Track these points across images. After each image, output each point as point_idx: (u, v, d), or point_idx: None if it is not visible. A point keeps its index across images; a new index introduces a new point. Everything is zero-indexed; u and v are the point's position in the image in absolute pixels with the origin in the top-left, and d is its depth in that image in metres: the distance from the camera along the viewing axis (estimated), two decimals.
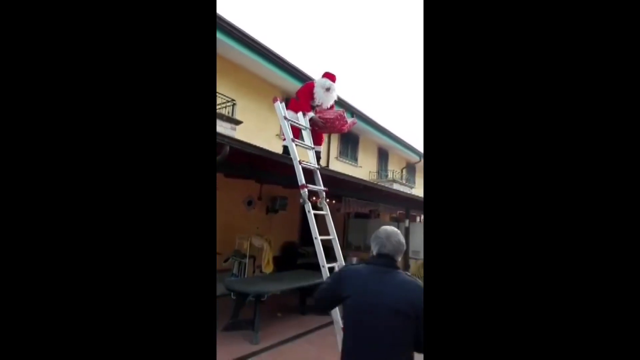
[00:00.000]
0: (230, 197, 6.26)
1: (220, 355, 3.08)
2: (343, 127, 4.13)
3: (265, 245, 6.14)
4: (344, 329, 1.48)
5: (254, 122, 7.11)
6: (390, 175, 12.32)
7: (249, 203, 6.86)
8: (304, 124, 3.68)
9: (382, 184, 8.39)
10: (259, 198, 7.02)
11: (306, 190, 2.92)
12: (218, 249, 5.10)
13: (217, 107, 5.84)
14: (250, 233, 6.19)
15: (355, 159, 11.01)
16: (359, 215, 8.98)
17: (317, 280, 4.61)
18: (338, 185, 4.72)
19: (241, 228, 6.30)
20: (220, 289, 4.50)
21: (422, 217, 9.27)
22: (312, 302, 5.13)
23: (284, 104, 3.44)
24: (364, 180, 5.79)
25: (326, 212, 3.18)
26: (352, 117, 8.96)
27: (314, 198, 3.72)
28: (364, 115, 10.13)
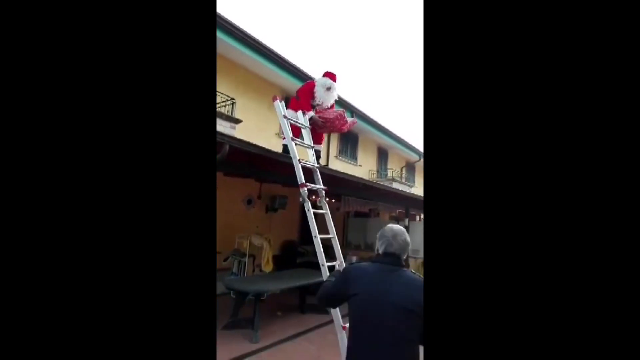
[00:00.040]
0: (230, 196, 6.26)
1: (220, 353, 3.09)
2: (343, 127, 4.13)
3: (265, 244, 6.15)
4: (350, 327, 1.49)
5: (253, 121, 7.11)
6: (389, 174, 12.33)
7: (249, 202, 6.86)
8: (304, 123, 3.68)
9: (382, 183, 8.39)
10: (259, 197, 7.01)
11: (306, 189, 2.92)
12: (218, 248, 5.11)
13: (217, 105, 5.84)
14: (249, 232, 6.19)
15: (355, 158, 11.01)
16: (358, 214, 8.99)
17: (317, 279, 4.62)
18: (338, 184, 4.72)
19: (241, 227, 6.30)
20: (220, 288, 4.51)
21: (422, 216, 9.28)
22: (312, 300, 5.14)
23: (283, 102, 3.43)
24: (364, 179, 5.79)
25: (326, 210, 3.18)
26: (352, 116, 8.96)
27: (314, 197, 3.72)
28: (364, 114, 10.13)
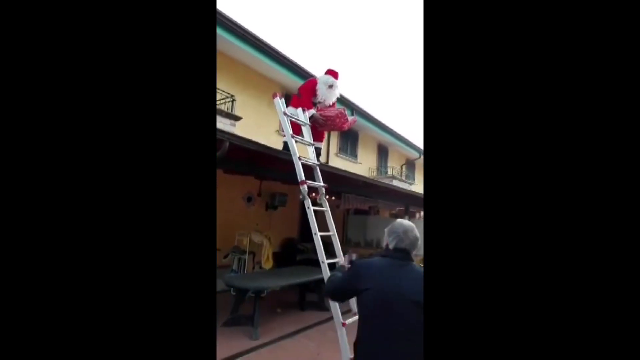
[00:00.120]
0: (230, 193, 6.26)
1: (220, 350, 3.10)
2: (343, 125, 4.13)
3: (265, 242, 6.15)
4: (361, 320, 1.51)
5: (253, 118, 7.09)
6: (389, 171, 12.32)
7: (249, 199, 6.86)
8: (304, 120, 3.67)
9: (382, 181, 8.39)
10: (259, 194, 7.01)
11: (306, 186, 2.91)
12: (217, 245, 5.11)
13: (217, 103, 5.82)
14: (249, 229, 6.19)
15: (355, 156, 11.00)
16: (358, 212, 8.99)
17: (317, 276, 4.63)
18: (338, 182, 4.72)
19: (241, 224, 6.31)
20: (219, 285, 4.51)
21: (422, 213, 9.29)
22: (312, 297, 5.16)
23: (283, 99, 3.42)
24: (364, 177, 5.79)
25: (326, 208, 3.18)
26: (353, 114, 8.94)
27: (314, 194, 3.72)
28: (364, 111, 10.11)
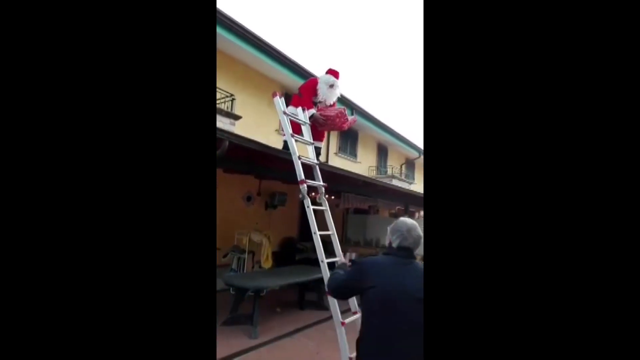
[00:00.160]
0: (229, 192, 6.25)
1: (220, 349, 3.10)
2: (343, 125, 4.13)
3: (265, 241, 6.15)
4: (365, 317, 1.52)
5: (253, 118, 7.09)
6: (389, 171, 12.33)
7: (248, 199, 6.86)
8: (304, 120, 3.67)
9: (381, 180, 8.39)
10: (258, 194, 7.01)
11: (305, 185, 2.91)
12: (217, 245, 5.11)
13: (216, 102, 5.82)
14: (249, 228, 6.19)
15: (355, 155, 11.00)
16: (357, 211, 8.99)
17: (316, 276, 4.63)
18: (337, 181, 4.72)
19: (240, 224, 6.31)
20: (219, 284, 4.51)
21: (421, 213, 9.30)
22: (311, 297, 5.16)
23: (283, 99, 3.42)
24: (363, 176, 5.78)
25: (325, 207, 3.18)
26: (352, 114, 8.94)
27: (313, 193, 3.72)
28: (364, 111, 10.11)
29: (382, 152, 12.64)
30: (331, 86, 4.06)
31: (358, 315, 2.66)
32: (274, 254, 6.58)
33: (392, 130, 11.77)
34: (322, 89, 4.05)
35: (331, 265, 2.71)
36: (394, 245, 1.58)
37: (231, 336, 3.73)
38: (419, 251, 1.58)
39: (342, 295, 1.79)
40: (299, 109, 3.70)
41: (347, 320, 2.50)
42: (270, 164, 3.92)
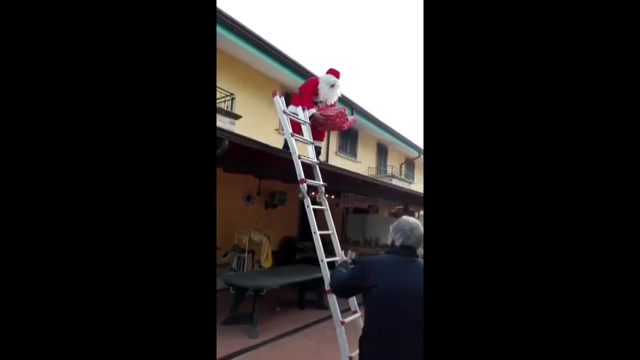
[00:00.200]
0: (229, 192, 6.25)
1: (220, 348, 3.10)
2: (343, 125, 4.13)
3: (264, 240, 6.16)
4: (369, 316, 1.53)
5: (253, 117, 7.09)
6: (389, 170, 12.34)
7: (248, 198, 6.86)
8: (303, 119, 3.67)
9: (381, 180, 8.39)
10: (258, 193, 7.01)
11: (305, 185, 2.91)
12: (217, 244, 5.11)
13: (216, 101, 5.82)
14: (249, 228, 6.20)
15: (355, 154, 11.00)
16: (357, 211, 8.99)
17: (316, 275, 4.64)
18: (337, 181, 4.72)
19: (240, 223, 6.31)
20: (219, 284, 4.52)
21: (421, 212, 9.30)
22: (311, 296, 5.16)
23: (282, 98, 3.42)
24: (363, 176, 5.79)
25: (325, 207, 3.18)
26: (352, 113, 8.94)
27: (313, 193, 3.72)
28: (364, 110, 10.11)
29: (382, 151, 12.65)
30: (332, 86, 4.07)
31: (358, 315, 2.66)
32: (273, 253, 6.59)
33: (392, 129, 11.77)
34: (323, 88, 4.05)
35: (331, 265, 2.72)
36: (397, 244, 1.59)
37: (231, 335, 3.73)
38: (421, 250, 1.59)
39: (344, 293, 1.79)
40: (299, 108, 3.70)
41: (347, 320, 2.50)
42: (270, 163, 3.92)
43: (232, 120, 5.72)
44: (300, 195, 2.93)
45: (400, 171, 13.46)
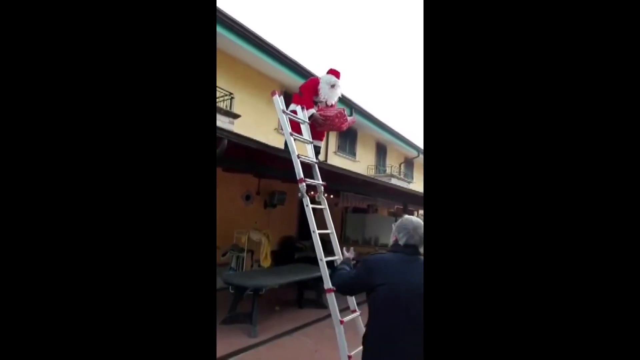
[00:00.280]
0: (229, 191, 6.25)
1: (219, 348, 3.10)
2: (342, 126, 4.13)
3: (264, 240, 6.16)
4: (374, 314, 1.54)
5: (252, 116, 7.08)
6: (388, 170, 12.34)
7: (247, 197, 6.86)
8: (303, 118, 3.67)
9: (380, 179, 8.39)
10: (257, 192, 7.01)
11: (304, 184, 2.92)
12: (216, 243, 5.10)
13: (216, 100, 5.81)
14: (248, 227, 6.19)
15: (354, 154, 11.00)
16: (356, 210, 9.00)
17: (315, 274, 4.64)
18: (336, 180, 4.73)
19: (239, 222, 6.31)
20: (218, 283, 4.52)
21: (420, 211, 9.31)
22: (310, 295, 5.17)
23: (282, 97, 3.42)
24: (362, 175, 5.79)
25: (324, 206, 3.18)
26: (351, 114, 8.94)
27: (312, 192, 3.72)
28: (363, 110, 10.11)
29: (381, 151, 12.65)
30: (332, 86, 4.06)
31: (357, 314, 2.67)
32: (273, 252, 6.59)
33: (391, 129, 11.77)
34: (323, 88, 4.04)
35: (330, 264, 2.72)
36: (401, 242, 1.61)
37: (230, 335, 3.73)
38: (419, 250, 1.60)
39: (349, 291, 1.82)
40: (298, 107, 3.71)
41: (345, 319, 2.50)
42: (270, 162, 3.93)
43: (231, 119, 5.72)
44: (300, 195, 2.93)
45: (399, 170, 13.47)
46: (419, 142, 13.44)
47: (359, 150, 11.26)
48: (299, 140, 3.40)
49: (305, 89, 4.09)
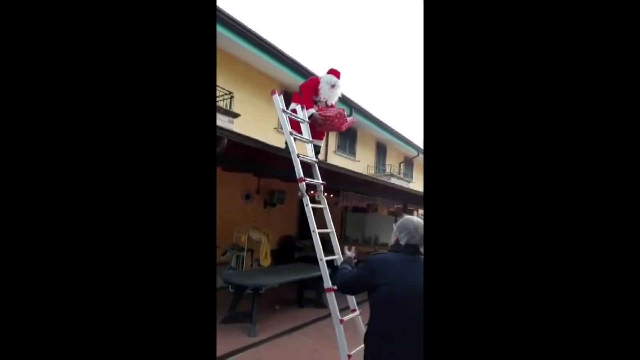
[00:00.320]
0: (228, 190, 6.25)
1: (219, 347, 3.10)
2: (342, 126, 4.12)
3: (263, 239, 6.15)
4: (376, 313, 1.55)
5: (252, 116, 7.08)
6: (388, 169, 12.35)
7: (247, 197, 6.86)
8: (302, 117, 3.67)
9: (380, 178, 8.40)
10: (257, 192, 7.01)
11: (304, 183, 2.92)
12: (216, 243, 5.10)
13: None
14: (248, 226, 6.19)
15: (354, 153, 11.00)
16: (356, 209, 9.00)
17: (315, 274, 4.64)
18: (336, 179, 4.72)
19: (239, 222, 6.30)
20: (218, 282, 4.52)
21: (419, 211, 9.31)
22: (310, 294, 5.17)
23: (282, 96, 3.42)
24: (362, 174, 5.79)
25: (324, 205, 3.18)
26: (351, 113, 8.94)
27: (312, 192, 3.72)
28: (363, 109, 10.11)
29: (381, 150, 12.65)
30: (333, 86, 4.05)
31: (357, 313, 2.67)
32: (272, 252, 6.58)
33: (391, 128, 11.77)
34: (324, 88, 4.03)
35: (330, 264, 2.72)
36: (402, 242, 1.62)
37: (230, 334, 3.73)
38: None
39: (350, 291, 1.84)
40: (298, 106, 3.70)
41: (345, 318, 2.50)
42: (269, 162, 3.92)
43: (230, 118, 5.71)
44: (300, 194, 2.93)
45: (399, 170, 13.47)
46: (419, 141, 13.46)
47: (359, 149, 11.26)
48: (298, 139, 3.40)
49: (305, 88, 4.08)
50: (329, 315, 2.57)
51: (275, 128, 7.69)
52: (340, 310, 2.50)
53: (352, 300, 2.69)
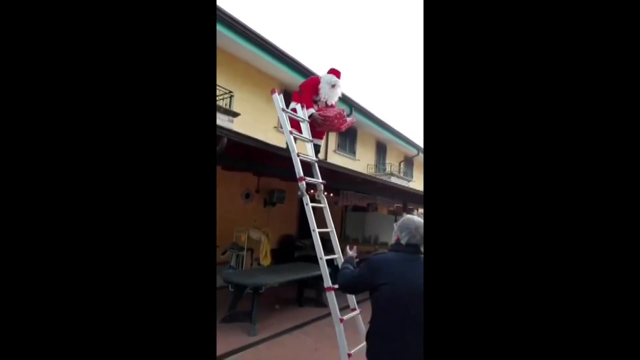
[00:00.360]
0: (228, 190, 6.25)
1: (219, 346, 3.10)
2: (341, 127, 4.11)
3: (263, 238, 6.15)
4: (377, 313, 1.56)
5: (251, 115, 7.07)
6: (388, 168, 12.35)
7: (247, 196, 6.86)
8: (302, 117, 3.67)
9: (380, 178, 8.40)
10: (257, 191, 7.01)
11: (304, 183, 2.91)
12: (216, 242, 5.09)
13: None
14: (247, 226, 6.19)
15: (354, 153, 11.00)
16: (356, 209, 9.01)
17: (315, 273, 4.64)
18: (336, 178, 4.72)
19: (239, 221, 6.30)
20: (218, 281, 4.52)
21: (419, 210, 9.32)
22: (310, 294, 5.17)
23: (282, 95, 3.42)
24: (362, 174, 5.79)
25: (324, 204, 3.18)
26: (351, 113, 8.93)
27: (312, 191, 3.72)
28: (363, 108, 10.11)
29: (381, 149, 12.65)
30: (333, 86, 4.05)
31: (357, 312, 2.67)
32: (272, 251, 6.59)
33: (391, 128, 11.77)
34: (324, 88, 4.03)
35: (330, 263, 2.72)
36: (403, 242, 1.63)
37: (230, 333, 3.73)
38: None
39: (352, 291, 1.86)
40: (298, 105, 3.70)
41: (345, 317, 2.51)
42: (269, 161, 3.92)
43: (230, 117, 5.71)
44: (299, 193, 2.93)
45: (399, 169, 13.47)
46: (419, 140, 13.46)
47: (359, 148, 11.26)
48: (298, 138, 3.40)
49: (305, 87, 4.08)
50: (329, 314, 2.57)
51: (275, 127, 7.68)
52: (340, 309, 2.50)
53: (352, 299, 2.69)
